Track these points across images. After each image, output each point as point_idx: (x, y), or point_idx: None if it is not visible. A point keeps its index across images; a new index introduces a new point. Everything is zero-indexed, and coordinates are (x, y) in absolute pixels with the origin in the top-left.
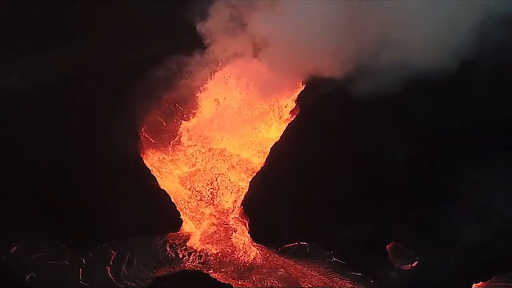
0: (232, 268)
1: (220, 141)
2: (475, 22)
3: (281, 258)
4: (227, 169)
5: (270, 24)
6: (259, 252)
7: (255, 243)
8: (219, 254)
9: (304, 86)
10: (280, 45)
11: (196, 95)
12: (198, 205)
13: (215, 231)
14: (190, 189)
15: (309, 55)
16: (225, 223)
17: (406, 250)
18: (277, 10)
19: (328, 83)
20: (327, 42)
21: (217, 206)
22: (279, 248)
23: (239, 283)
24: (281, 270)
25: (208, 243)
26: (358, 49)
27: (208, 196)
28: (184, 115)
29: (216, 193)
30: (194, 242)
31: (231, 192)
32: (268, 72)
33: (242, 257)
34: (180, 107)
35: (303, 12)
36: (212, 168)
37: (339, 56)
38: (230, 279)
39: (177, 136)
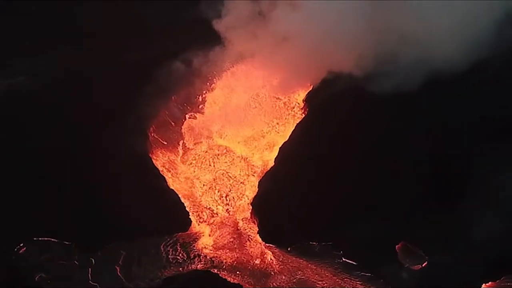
0: (248, 273)
1: (229, 141)
2: (492, 19)
3: (296, 260)
4: (236, 170)
5: (289, 20)
6: (274, 258)
7: (265, 244)
8: (235, 262)
9: (317, 84)
10: (299, 42)
11: (207, 95)
12: (212, 216)
13: (229, 241)
14: (201, 198)
15: (328, 52)
16: (238, 230)
17: (415, 250)
18: (297, 7)
19: (345, 80)
20: (346, 39)
21: (229, 214)
22: (289, 248)
23: None
24: (299, 273)
25: (220, 249)
26: (377, 47)
27: (223, 213)
28: (193, 115)
29: (232, 209)
30: (205, 244)
31: (243, 200)
32: (286, 69)
33: (259, 265)
34: (189, 107)
35: (322, 9)
36: (223, 173)
37: (358, 53)
38: (247, 284)
39: (186, 137)
